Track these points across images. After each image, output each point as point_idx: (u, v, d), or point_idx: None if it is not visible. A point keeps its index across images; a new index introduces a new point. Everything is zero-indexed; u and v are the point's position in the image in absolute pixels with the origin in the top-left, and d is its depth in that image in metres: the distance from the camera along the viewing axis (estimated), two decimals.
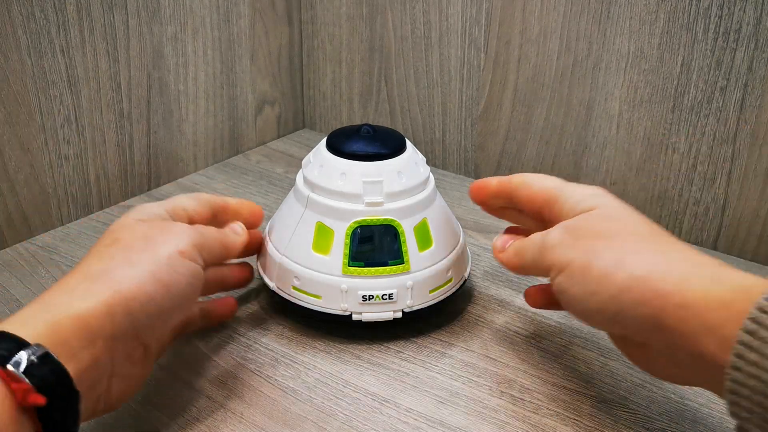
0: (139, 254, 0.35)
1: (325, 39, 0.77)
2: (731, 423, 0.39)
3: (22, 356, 0.28)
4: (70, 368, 0.30)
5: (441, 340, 0.47)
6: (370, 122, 0.77)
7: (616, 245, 0.34)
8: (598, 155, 0.63)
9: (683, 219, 0.61)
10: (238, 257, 0.45)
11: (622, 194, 0.63)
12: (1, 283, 0.52)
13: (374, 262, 0.44)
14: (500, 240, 0.42)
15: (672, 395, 0.42)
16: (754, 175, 0.56)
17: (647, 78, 0.58)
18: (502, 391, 0.42)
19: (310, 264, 0.45)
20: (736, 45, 0.53)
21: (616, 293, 0.33)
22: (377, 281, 0.44)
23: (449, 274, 0.47)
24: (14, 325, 0.30)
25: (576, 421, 0.40)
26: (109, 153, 0.63)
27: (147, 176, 0.67)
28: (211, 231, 0.41)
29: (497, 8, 0.64)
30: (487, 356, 0.45)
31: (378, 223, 0.44)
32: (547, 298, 0.43)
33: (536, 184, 0.41)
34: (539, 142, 0.66)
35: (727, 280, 0.31)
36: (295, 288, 0.45)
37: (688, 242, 0.61)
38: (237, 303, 0.48)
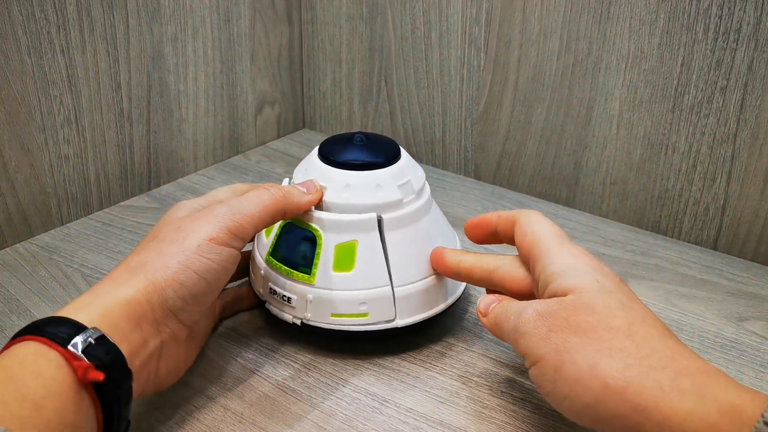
0: (170, 246, 0.37)
1: (325, 39, 0.77)
2: None
3: (81, 338, 0.31)
4: (123, 349, 0.33)
5: (441, 340, 0.47)
6: (370, 122, 0.78)
7: (590, 345, 0.32)
8: (598, 155, 0.63)
9: (683, 219, 0.61)
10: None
11: (622, 194, 0.63)
12: (1, 283, 0.52)
13: (288, 262, 0.43)
14: (483, 303, 0.40)
15: None
16: (754, 175, 0.56)
17: (647, 78, 0.58)
18: (502, 391, 0.42)
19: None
20: (736, 45, 0.53)
21: (591, 402, 0.31)
22: (284, 280, 0.44)
23: (362, 308, 0.43)
24: (71, 311, 0.33)
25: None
26: (109, 153, 0.63)
27: (147, 176, 0.67)
28: (246, 201, 0.40)
29: (497, 8, 0.64)
30: (487, 356, 0.45)
31: (303, 227, 0.43)
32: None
33: (530, 232, 0.39)
34: (539, 142, 0.66)
35: (712, 398, 0.28)
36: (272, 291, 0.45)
37: (688, 242, 0.61)
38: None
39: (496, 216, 0.43)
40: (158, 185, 0.68)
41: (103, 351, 0.32)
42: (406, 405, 0.41)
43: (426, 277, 0.44)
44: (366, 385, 0.42)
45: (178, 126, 0.69)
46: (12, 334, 0.46)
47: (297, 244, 0.44)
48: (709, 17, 0.54)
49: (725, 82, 0.55)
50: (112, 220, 0.62)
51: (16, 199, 0.56)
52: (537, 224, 0.40)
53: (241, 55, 0.73)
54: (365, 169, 0.44)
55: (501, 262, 0.41)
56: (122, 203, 0.65)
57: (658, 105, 0.58)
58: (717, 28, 0.54)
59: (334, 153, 0.45)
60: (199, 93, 0.70)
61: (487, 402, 0.41)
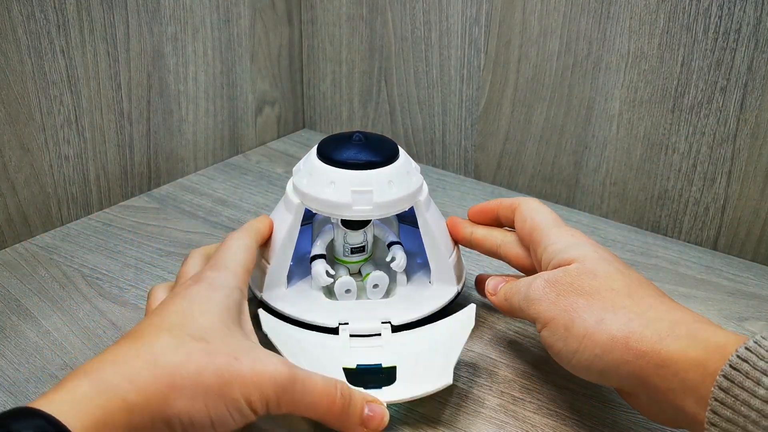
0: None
1: (325, 39, 0.77)
2: None
3: None
4: None
5: None
6: (370, 122, 0.78)
7: (595, 304, 0.36)
8: (598, 155, 0.63)
9: (683, 219, 0.61)
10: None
11: (622, 194, 0.63)
12: (1, 283, 0.52)
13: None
14: (491, 284, 0.44)
15: None
16: (754, 175, 0.56)
17: (647, 78, 0.58)
18: (502, 391, 0.42)
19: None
20: (736, 45, 0.53)
21: (599, 353, 0.35)
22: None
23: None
24: (64, 403, 0.26)
25: (576, 421, 0.40)
26: (109, 153, 0.63)
27: (147, 176, 0.67)
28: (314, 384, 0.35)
29: (497, 8, 0.64)
30: (487, 356, 0.45)
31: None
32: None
33: (529, 219, 0.43)
34: (539, 142, 0.66)
35: (702, 339, 0.32)
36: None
37: (688, 242, 0.61)
38: None
39: (497, 203, 0.47)
40: (158, 185, 0.68)
41: None
42: (406, 405, 0.41)
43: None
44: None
45: (178, 126, 0.69)
46: (12, 333, 0.46)
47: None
48: (709, 17, 0.54)
49: (725, 82, 0.55)
50: (112, 220, 0.61)
51: (16, 199, 0.56)
52: (535, 211, 0.43)
53: (241, 55, 0.73)
54: (371, 167, 0.44)
55: (508, 239, 0.46)
56: (122, 203, 0.65)
57: (658, 105, 0.58)
58: (717, 28, 0.54)
59: (339, 154, 0.45)
60: (199, 93, 0.70)
61: (487, 402, 0.41)
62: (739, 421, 0.29)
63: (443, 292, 0.47)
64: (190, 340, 0.32)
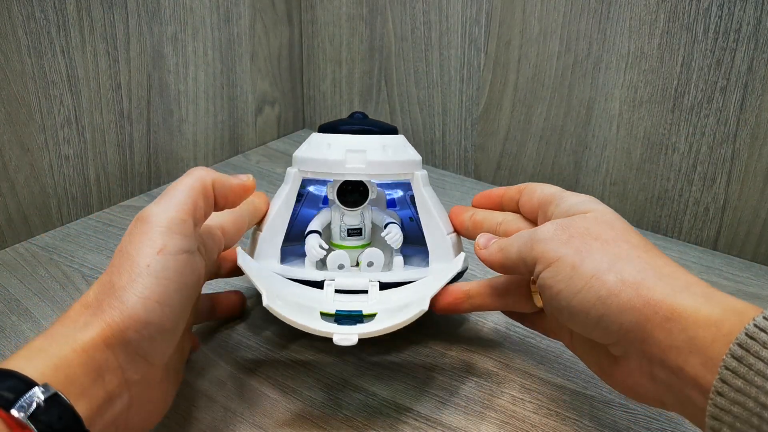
0: (119, 275, 0.32)
1: (325, 39, 0.77)
2: None
3: (27, 399, 0.26)
4: (82, 407, 0.28)
5: (441, 340, 0.47)
6: None
7: (610, 249, 0.34)
8: (598, 155, 0.63)
9: (683, 219, 0.61)
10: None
11: (622, 194, 0.63)
12: (1, 283, 0.52)
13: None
14: (483, 238, 0.42)
15: None
16: (754, 175, 0.56)
17: (647, 78, 0.58)
18: (502, 391, 0.42)
19: None
20: (736, 45, 0.53)
21: (604, 295, 0.32)
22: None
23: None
24: (21, 362, 0.28)
25: (576, 421, 0.40)
26: (109, 153, 0.63)
27: (147, 176, 0.67)
28: (173, 192, 0.36)
29: (497, 8, 0.64)
30: (487, 356, 0.45)
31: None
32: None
33: (539, 190, 0.42)
34: (539, 142, 0.66)
35: (719, 301, 0.30)
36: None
37: (688, 242, 0.61)
38: (244, 297, 0.48)
39: (503, 189, 0.45)
40: (158, 185, 0.68)
41: (55, 415, 0.27)
42: (406, 405, 0.41)
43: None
44: (367, 385, 0.42)
45: (178, 126, 0.69)
46: (12, 333, 0.46)
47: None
48: (709, 17, 0.54)
49: (725, 82, 0.55)
50: (112, 220, 0.62)
51: (16, 199, 0.56)
52: (546, 186, 0.42)
53: (241, 55, 0.73)
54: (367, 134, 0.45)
55: (509, 217, 0.44)
56: (122, 203, 0.65)
57: (658, 105, 0.58)
58: (717, 28, 0.54)
59: (338, 124, 0.46)
60: (199, 93, 0.70)
61: (487, 402, 0.41)
62: (751, 392, 0.26)
63: (442, 271, 0.45)
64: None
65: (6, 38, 0.52)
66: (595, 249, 0.34)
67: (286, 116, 0.81)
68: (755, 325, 0.27)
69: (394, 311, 0.40)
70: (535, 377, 0.43)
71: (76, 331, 0.30)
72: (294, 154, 0.47)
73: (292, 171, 0.46)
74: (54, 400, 0.27)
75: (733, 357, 0.27)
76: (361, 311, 0.41)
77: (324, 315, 0.40)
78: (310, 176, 0.45)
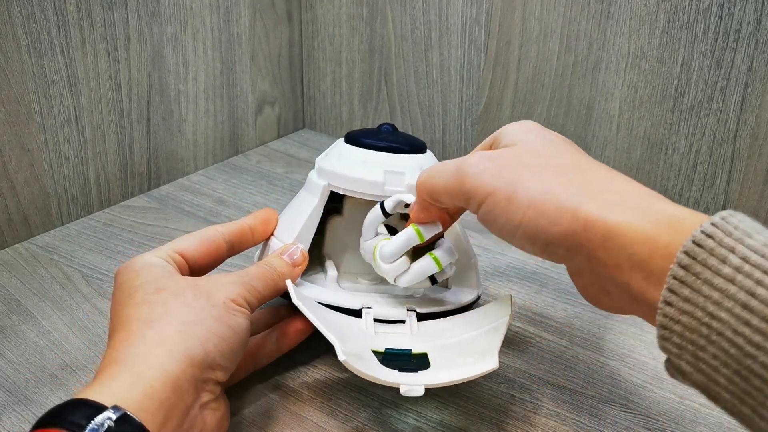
0: (195, 300, 0.36)
1: (325, 39, 0.78)
2: (731, 423, 0.39)
3: (99, 421, 0.28)
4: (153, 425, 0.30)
5: None
6: (370, 122, 0.78)
7: (542, 176, 0.33)
8: (598, 155, 0.63)
9: None
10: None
11: None
12: (1, 283, 0.52)
13: None
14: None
15: (672, 395, 0.42)
16: (754, 175, 0.56)
17: (647, 78, 0.58)
18: (502, 391, 0.42)
19: None
20: (736, 45, 0.53)
21: (544, 225, 0.31)
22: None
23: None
24: (102, 393, 0.30)
25: (576, 421, 0.40)
26: (109, 153, 0.63)
27: (147, 176, 0.67)
28: (256, 276, 0.40)
29: (497, 8, 0.64)
30: None
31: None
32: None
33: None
34: None
35: (654, 212, 0.29)
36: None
37: None
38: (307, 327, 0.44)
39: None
40: (158, 185, 0.68)
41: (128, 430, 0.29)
42: (406, 405, 0.41)
43: None
44: (366, 385, 0.42)
45: (178, 126, 0.69)
46: (12, 333, 0.46)
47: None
48: (709, 17, 0.54)
49: (725, 82, 0.55)
50: (112, 220, 0.62)
51: (16, 199, 0.56)
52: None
53: (241, 55, 0.73)
54: (402, 153, 0.44)
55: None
56: (122, 203, 0.65)
57: (658, 105, 0.59)
58: (717, 28, 0.54)
59: (370, 139, 0.45)
60: (199, 93, 0.70)
61: (487, 402, 0.41)
62: (699, 301, 0.26)
63: (464, 293, 0.47)
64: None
65: (6, 38, 0.52)
66: (527, 178, 0.33)
67: (286, 116, 0.81)
68: (703, 232, 0.27)
69: (441, 350, 0.41)
70: (535, 377, 0.43)
71: (154, 358, 0.32)
72: (320, 164, 0.45)
73: (320, 183, 0.44)
74: (124, 419, 0.29)
75: (681, 266, 0.26)
76: (410, 350, 0.41)
77: (374, 352, 0.40)
78: (342, 192, 0.44)
